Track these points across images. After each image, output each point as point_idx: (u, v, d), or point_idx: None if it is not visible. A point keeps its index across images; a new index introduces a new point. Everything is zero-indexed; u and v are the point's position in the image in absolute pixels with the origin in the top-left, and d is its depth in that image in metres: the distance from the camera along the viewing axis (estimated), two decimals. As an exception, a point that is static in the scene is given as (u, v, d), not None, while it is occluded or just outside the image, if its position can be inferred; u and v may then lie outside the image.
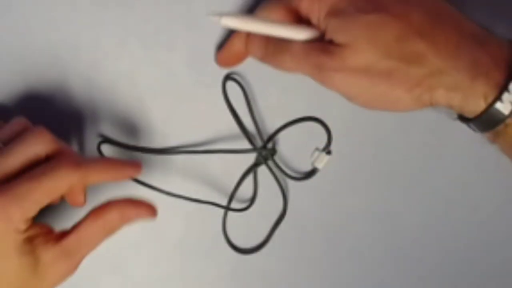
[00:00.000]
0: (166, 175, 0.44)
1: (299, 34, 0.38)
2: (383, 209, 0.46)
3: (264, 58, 0.40)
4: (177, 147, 0.44)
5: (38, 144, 0.36)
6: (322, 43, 0.37)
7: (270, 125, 0.45)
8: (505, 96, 0.34)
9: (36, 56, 0.43)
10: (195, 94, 0.44)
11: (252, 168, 0.45)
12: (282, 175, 0.45)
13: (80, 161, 0.36)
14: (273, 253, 0.45)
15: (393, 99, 0.36)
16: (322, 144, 0.45)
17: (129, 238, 0.44)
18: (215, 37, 0.44)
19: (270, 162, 0.45)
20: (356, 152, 0.46)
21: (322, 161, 0.45)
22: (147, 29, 0.44)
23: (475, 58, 0.35)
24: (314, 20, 0.38)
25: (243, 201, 0.45)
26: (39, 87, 0.43)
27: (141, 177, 0.44)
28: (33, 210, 0.34)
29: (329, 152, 0.45)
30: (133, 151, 0.44)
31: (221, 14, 0.38)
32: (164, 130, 0.44)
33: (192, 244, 0.45)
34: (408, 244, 0.46)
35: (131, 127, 0.44)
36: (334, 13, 0.36)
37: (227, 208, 0.44)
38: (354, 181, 0.46)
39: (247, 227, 0.45)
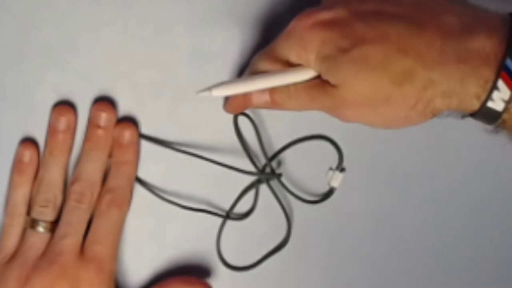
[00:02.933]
0: (167, 174, 0.44)
1: (303, 75, 0.38)
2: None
3: (271, 107, 0.41)
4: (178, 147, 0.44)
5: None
6: (322, 83, 0.38)
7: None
8: (495, 94, 0.34)
9: (36, 56, 0.43)
10: (195, 94, 0.44)
11: (254, 185, 0.44)
12: (289, 196, 0.45)
13: None
14: (273, 260, 0.45)
15: (402, 119, 0.36)
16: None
17: (130, 239, 0.44)
18: (215, 37, 0.44)
19: (275, 183, 0.44)
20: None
21: (337, 179, 0.44)
22: (147, 29, 0.44)
23: (462, 58, 0.34)
24: (306, 66, 0.38)
25: (245, 214, 0.45)
26: (39, 87, 0.43)
27: (142, 176, 0.44)
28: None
29: (342, 170, 0.45)
30: (151, 142, 0.44)
31: (210, 88, 0.39)
32: (164, 130, 0.44)
33: (191, 247, 0.45)
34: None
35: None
36: (320, 58, 0.37)
37: (225, 217, 0.44)
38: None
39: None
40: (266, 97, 0.40)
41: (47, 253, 0.40)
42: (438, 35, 0.34)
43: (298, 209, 0.45)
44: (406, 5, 0.36)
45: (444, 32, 0.34)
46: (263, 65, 0.40)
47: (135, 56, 0.44)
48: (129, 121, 0.43)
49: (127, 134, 0.43)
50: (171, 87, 0.44)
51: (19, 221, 0.42)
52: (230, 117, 0.44)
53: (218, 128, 0.44)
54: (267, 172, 0.44)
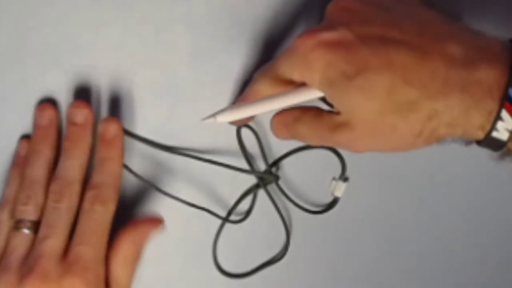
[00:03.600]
0: (169, 175, 0.44)
1: (307, 95, 0.38)
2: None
3: (292, 138, 0.41)
4: (177, 148, 0.44)
5: None
6: (330, 118, 0.37)
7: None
8: (499, 124, 0.34)
9: (36, 56, 0.43)
10: (195, 94, 0.44)
11: (252, 190, 0.45)
12: (290, 205, 0.45)
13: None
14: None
15: (409, 144, 0.36)
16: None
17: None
18: (215, 37, 0.44)
19: (275, 191, 0.44)
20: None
21: (341, 189, 0.45)
22: (147, 29, 0.44)
23: (465, 89, 0.34)
24: (310, 85, 0.38)
25: (243, 218, 0.45)
26: (39, 87, 0.43)
27: (143, 174, 0.44)
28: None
29: (346, 179, 0.45)
30: (135, 139, 0.44)
31: (215, 114, 0.39)
32: (164, 130, 0.44)
33: (192, 246, 0.45)
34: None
35: (130, 127, 0.44)
36: (325, 83, 0.36)
37: (224, 219, 0.44)
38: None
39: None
40: (286, 135, 0.41)
41: (29, 257, 0.38)
42: (442, 64, 0.34)
43: (299, 217, 0.45)
44: (410, 31, 0.35)
45: (448, 61, 0.34)
46: (265, 84, 0.39)
47: (135, 56, 0.44)
48: (113, 116, 0.43)
49: (112, 129, 0.42)
50: (171, 87, 0.44)
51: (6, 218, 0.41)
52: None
53: (218, 129, 0.44)
54: (266, 171, 0.44)
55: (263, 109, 0.39)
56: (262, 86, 0.40)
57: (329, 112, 0.38)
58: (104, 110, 0.44)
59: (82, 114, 0.41)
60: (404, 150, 0.37)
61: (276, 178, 0.44)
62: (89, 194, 0.40)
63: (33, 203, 0.40)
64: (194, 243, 0.45)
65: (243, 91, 0.42)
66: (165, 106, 0.44)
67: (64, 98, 0.43)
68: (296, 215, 0.45)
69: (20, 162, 0.42)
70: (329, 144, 0.39)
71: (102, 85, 0.44)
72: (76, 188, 0.40)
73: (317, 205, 0.45)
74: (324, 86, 0.36)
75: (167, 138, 0.44)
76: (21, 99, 0.43)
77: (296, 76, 0.38)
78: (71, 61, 0.43)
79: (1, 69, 0.43)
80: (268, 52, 0.44)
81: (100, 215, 0.40)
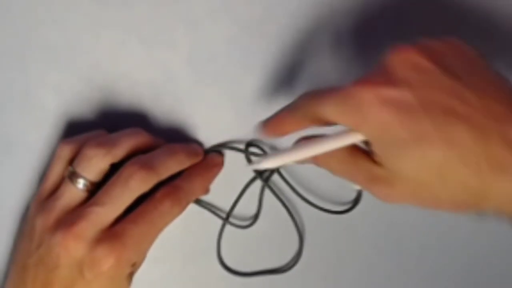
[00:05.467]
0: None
1: (350, 139, 0.36)
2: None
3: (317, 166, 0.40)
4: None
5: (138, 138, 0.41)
6: (368, 165, 0.36)
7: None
8: None
9: (36, 56, 0.43)
10: (195, 94, 0.44)
11: (250, 183, 0.44)
12: (298, 206, 0.45)
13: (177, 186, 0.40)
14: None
15: (447, 211, 0.35)
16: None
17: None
18: (215, 36, 0.44)
19: (282, 191, 0.45)
20: None
21: None
22: (147, 29, 0.44)
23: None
24: (358, 132, 0.35)
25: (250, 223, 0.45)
26: (39, 87, 0.43)
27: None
28: (145, 253, 0.40)
29: None
30: None
31: (259, 161, 0.37)
32: (163, 130, 0.44)
33: (191, 245, 0.45)
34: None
35: (130, 127, 0.44)
36: (377, 140, 0.34)
37: (224, 219, 0.44)
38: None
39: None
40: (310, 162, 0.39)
41: (74, 212, 0.38)
42: (500, 147, 0.32)
43: (312, 218, 0.45)
44: (473, 105, 0.33)
45: (507, 145, 0.32)
46: (298, 117, 0.37)
47: (135, 56, 0.44)
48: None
49: (220, 161, 0.44)
50: (171, 87, 0.44)
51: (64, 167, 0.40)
52: (230, 117, 0.44)
53: (219, 129, 0.44)
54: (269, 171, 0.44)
55: (307, 155, 0.37)
56: (293, 119, 0.37)
57: (367, 155, 0.36)
58: (104, 110, 0.44)
59: (202, 153, 0.44)
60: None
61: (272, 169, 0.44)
62: (167, 189, 0.40)
63: (98, 164, 0.39)
64: (196, 242, 0.45)
65: (271, 116, 0.39)
66: (165, 106, 0.44)
67: (64, 98, 0.43)
68: (308, 216, 0.45)
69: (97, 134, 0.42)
70: (361, 188, 0.38)
71: (102, 85, 0.44)
72: (154, 178, 0.39)
73: (339, 204, 0.45)
74: (375, 141, 0.34)
75: (166, 139, 0.44)
76: (22, 99, 0.43)
77: (343, 122, 0.35)
78: (71, 61, 0.43)
79: (1, 70, 0.43)
80: (268, 52, 0.44)
81: (165, 209, 0.39)
